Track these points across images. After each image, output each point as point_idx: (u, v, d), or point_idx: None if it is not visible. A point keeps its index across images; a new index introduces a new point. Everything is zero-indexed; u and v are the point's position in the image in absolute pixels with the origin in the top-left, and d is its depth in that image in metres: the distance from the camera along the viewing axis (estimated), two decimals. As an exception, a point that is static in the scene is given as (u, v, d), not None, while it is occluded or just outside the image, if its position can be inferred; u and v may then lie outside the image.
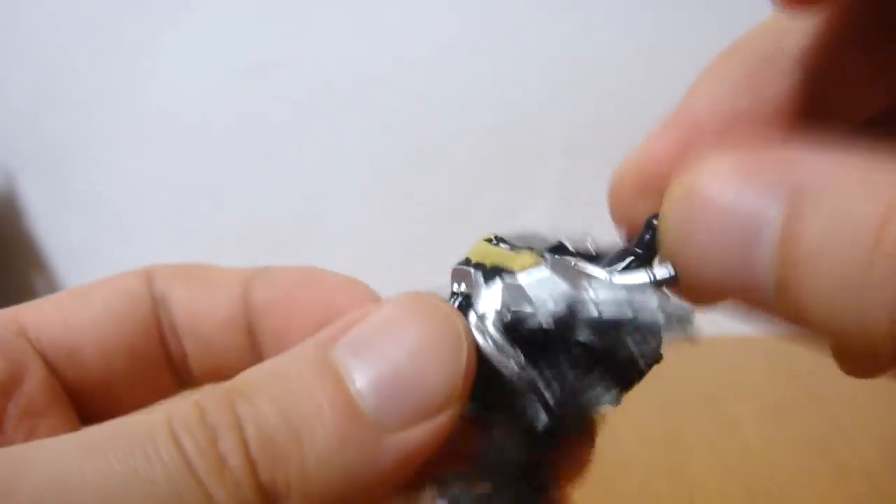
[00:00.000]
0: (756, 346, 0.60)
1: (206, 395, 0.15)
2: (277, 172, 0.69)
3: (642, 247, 0.18)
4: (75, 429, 0.20)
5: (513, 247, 0.18)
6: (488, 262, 0.18)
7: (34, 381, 0.20)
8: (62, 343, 0.21)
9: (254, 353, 0.24)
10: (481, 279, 0.18)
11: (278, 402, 0.15)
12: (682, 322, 0.17)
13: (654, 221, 0.18)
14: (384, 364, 0.16)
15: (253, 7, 0.64)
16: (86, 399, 0.22)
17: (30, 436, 0.20)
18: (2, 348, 0.20)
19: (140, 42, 0.67)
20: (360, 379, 0.15)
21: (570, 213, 0.61)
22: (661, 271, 0.17)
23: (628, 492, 0.44)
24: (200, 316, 0.23)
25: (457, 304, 0.18)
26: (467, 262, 0.19)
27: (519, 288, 0.17)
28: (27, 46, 0.70)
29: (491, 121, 0.62)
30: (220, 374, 0.24)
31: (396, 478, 0.16)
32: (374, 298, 0.23)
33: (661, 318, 0.17)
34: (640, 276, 0.17)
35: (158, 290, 0.23)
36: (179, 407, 0.15)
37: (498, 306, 0.17)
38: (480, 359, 0.17)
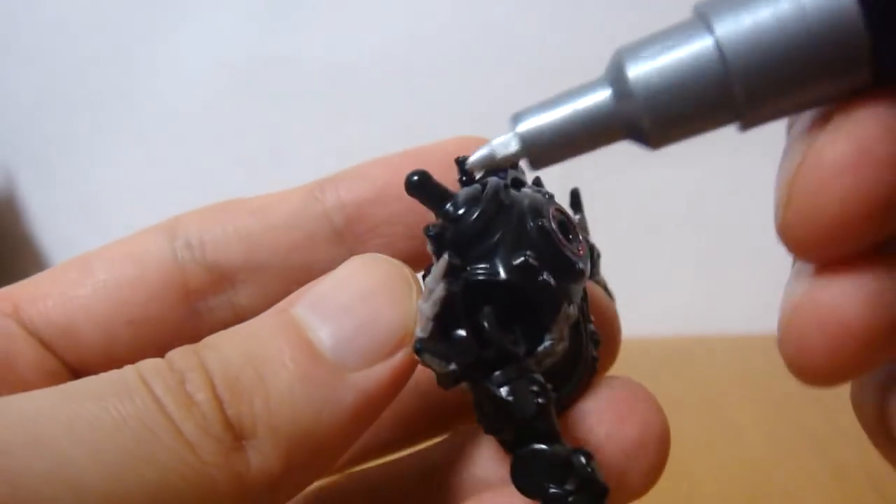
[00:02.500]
0: (756, 346, 0.60)
1: (172, 351, 0.16)
2: (279, 172, 0.69)
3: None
4: None
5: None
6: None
7: (26, 364, 0.20)
8: (57, 320, 0.20)
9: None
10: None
11: (240, 347, 0.16)
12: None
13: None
14: (339, 311, 0.16)
15: (253, 7, 0.64)
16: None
17: None
18: None
19: (140, 42, 0.67)
20: (318, 326, 0.16)
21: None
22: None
23: (628, 492, 0.44)
24: (253, 250, 0.21)
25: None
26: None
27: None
28: (27, 47, 0.69)
29: (493, 119, 0.62)
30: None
31: (363, 416, 0.16)
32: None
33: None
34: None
35: (185, 240, 0.21)
36: (148, 360, 0.16)
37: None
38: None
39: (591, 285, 0.21)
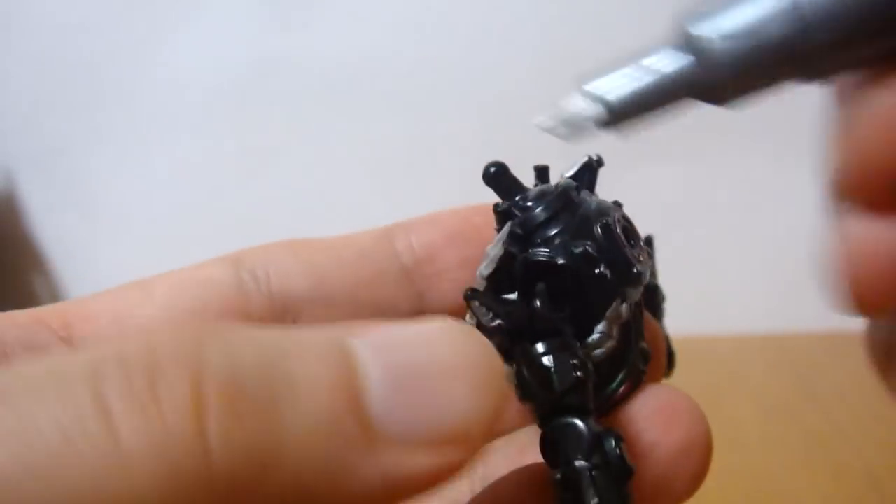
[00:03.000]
0: (756, 346, 0.60)
1: (168, 329, 0.12)
2: (278, 172, 0.69)
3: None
4: None
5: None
6: None
7: None
8: (110, 340, 0.18)
9: (415, 304, 0.21)
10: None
11: (264, 353, 0.12)
12: None
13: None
14: (406, 365, 0.13)
15: (253, 8, 0.64)
16: None
17: None
18: (30, 349, 0.18)
19: (139, 42, 0.67)
20: (373, 368, 0.13)
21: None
22: None
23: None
24: (320, 283, 0.20)
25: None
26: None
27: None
28: (27, 47, 0.69)
29: (491, 121, 0.62)
30: None
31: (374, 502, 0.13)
32: None
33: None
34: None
35: (250, 270, 0.20)
36: (125, 340, 0.12)
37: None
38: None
39: (648, 316, 0.21)
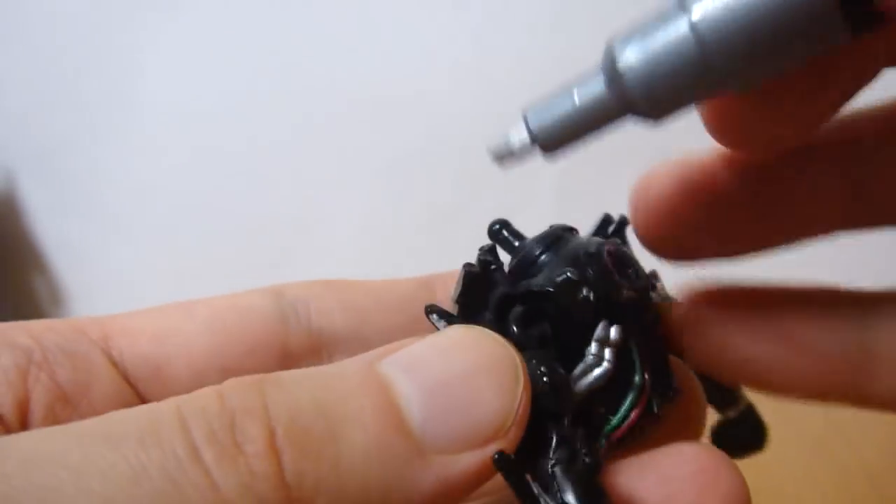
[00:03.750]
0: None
1: (231, 381, 0.14)
2: (278, 173, 0.69)
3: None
4: None
5: None
6: None
7: (102, 393, 0.19)
8: (149, 356, 0.20)
9: None
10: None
11: (316, 395, 0.14)
12: None
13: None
14: (435, 380, 0.15)
15: (254, 9, 0.64)
16: None
17: None
18: (70, 356, 0.19)
19: (140, 42, 0.67)
20: (408, 390, 0.15)
21: (570, 211, 0.61)
22: None
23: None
24: (360, 324, 0.21)
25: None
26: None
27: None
28: (27, 47, 0.70)
29: (491, 122, 0.62)
30: None
31: None
32: None
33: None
34: None
35: (292, 302, 0.21)
36: (196, 393, 0.14)
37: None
38: None
39: (679, 362, 0.21)
